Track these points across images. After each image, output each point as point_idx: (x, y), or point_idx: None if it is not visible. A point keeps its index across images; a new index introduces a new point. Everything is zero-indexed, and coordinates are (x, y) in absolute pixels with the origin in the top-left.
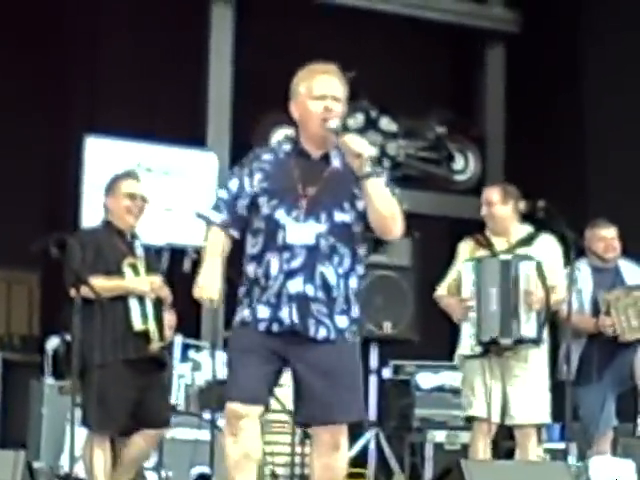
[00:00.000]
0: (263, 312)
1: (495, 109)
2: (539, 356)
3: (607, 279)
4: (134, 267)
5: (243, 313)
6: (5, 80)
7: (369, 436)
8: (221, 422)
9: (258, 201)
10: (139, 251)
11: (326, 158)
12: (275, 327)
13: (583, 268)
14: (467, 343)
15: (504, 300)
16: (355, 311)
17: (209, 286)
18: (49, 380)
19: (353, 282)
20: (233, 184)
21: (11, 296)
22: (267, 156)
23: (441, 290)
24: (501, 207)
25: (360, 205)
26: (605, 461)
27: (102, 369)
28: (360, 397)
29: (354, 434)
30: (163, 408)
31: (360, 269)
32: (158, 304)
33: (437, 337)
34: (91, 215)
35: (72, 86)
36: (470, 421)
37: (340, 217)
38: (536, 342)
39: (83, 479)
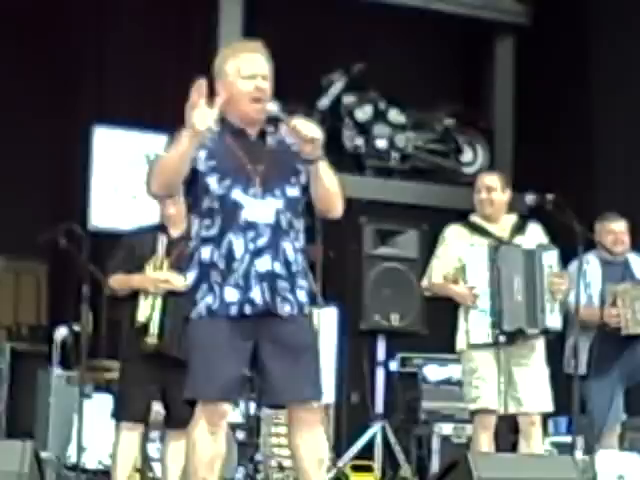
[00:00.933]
0: (231, 295)
1: (504, 101)
2: (541, 345)
3: (616, 272)
4: (157, 264)
5: (206, 300)
6: (14, 72)
7: (376, 429)
8: None
9: (205, 180)
10: (159, 247)
11: (262, 135)
12: (247, 309)
13: (592, 261)
14: (479, 332)
15: (529, 290)
16: (307, 285)
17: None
18: (57, 370)
19: (301, 256)
20: None
21: (19, 286)
22: None
23: (437, 277)
24: (501, 194)
25: (303, 180)
26: (612, 455)
27: (124, 362)
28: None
29: (361, 426)
30: (182, 407)
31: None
32: (171, 299)
33: (444, 330)
34: (99, 205)
35: (81, 76)
36: (475, 414)
37: (291, 192)
38: (559, 333)
39: (90, 470)
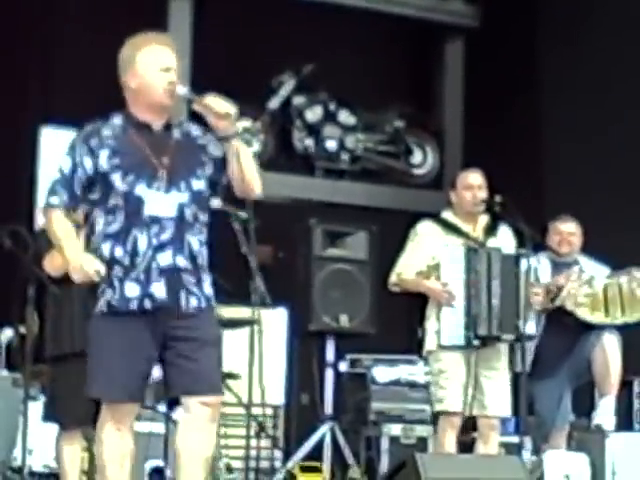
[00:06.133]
0: (132, 290)
1: (453, 103)
2: (506, 350)
3: None
4: None
5: (106, 296)
6: None
7: (325, 429)
8: (177, 415)
9: (110, 178)
10: None
11: (167, 128)
12: (147, 304)
13: (542, 261)
14: (451, 333)
15: (507, 294)
16: (211, 278)
17: (86, 262)
18: (2, 372)
19: (206, 249)
20: (66, 166)
21: None
22: (106, 132)
23: (408, 273)
24: (485, 192)
25: (208, 172)
26: (559, 455)
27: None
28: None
29: (310, 427)
30: (73, 406)
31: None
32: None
33: (394, 331)
34: None
35: (27, 76)
36: (440, 415)
37: (197, 185)
38: (533, 339)
39: (37, 472)
